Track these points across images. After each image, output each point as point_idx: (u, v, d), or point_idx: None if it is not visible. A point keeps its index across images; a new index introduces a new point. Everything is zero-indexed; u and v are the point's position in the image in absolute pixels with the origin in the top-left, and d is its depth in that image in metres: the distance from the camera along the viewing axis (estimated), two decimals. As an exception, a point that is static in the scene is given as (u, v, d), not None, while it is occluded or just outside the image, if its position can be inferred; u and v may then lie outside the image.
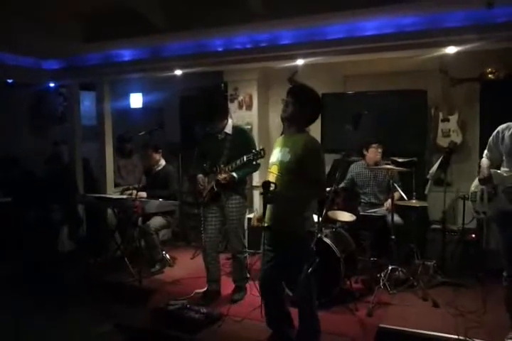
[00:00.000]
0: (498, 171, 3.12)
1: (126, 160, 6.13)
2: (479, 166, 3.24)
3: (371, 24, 3.82)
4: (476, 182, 3.31)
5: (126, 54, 5.00)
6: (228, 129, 3.95)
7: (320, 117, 5.33)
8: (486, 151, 3.28)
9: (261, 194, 2.78)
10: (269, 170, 3.00)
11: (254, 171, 4.05)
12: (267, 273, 2.98)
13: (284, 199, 2.80)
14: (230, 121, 4.00)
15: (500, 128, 3.14)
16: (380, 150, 4.74)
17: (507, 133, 3.06)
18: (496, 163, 3.18)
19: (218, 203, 3.98)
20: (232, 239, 4.06)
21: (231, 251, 4.19)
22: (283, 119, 2.97)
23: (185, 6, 4.01)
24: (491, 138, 3.19)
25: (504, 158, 3.09)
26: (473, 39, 3.65)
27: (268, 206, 2.81)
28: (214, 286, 4.11)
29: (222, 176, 3.75)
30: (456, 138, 4.96)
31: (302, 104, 2.87)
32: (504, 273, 3.10)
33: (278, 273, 2.93)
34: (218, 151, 3.91)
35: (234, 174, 3.75)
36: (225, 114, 3.98)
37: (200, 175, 4.02)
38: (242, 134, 3.98)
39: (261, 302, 3.11)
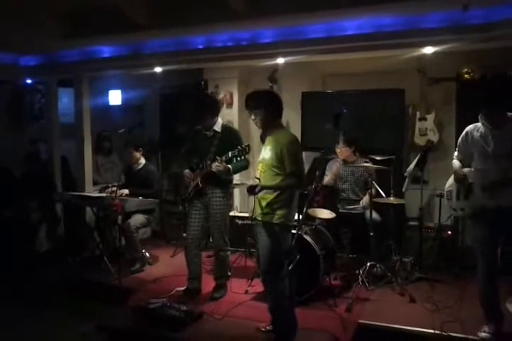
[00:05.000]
0: (469, 169, 3.21)
1: (105, 158, 6.07)
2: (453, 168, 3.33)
3: (351, 24, 3.86)
4: (451, 180, 3.40)
5: (106, 50, 4.94)
6: (217, 127, 3.96)
7: (300, 116, 5.52)
8: (456, 153, 3.37)
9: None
10: (257, 168, 3.22)
11: (246, 168, 4.01)
12: (260, 262, 3.18)
13: (263, 191, 3.03)
14: (219, 119, 4.02)
15: (468, 129, 3.22)
16: (345, 149, 4.67)
17: (476, 134, 3.14)
18: (466, 163, 3.26)
19: (202, 200, 3.98)
20: (215, 236, 4.06)
21: (213, 248, 4.19)
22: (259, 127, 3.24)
23: (166, 3, 4.00)
24: (460, 139, 3.28)
25: (475, 156, 3.17)
26: (450, 40, 3.74)
27: (255, 199, 3.11)
28: (195, 284, 4.10)
29: (216, 165, 3.65)
30: (433, 136, 5.05)
31: (264, 109, 3.10)
32: (478, 269, 3.17)
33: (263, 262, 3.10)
34: (206, 148, 3.91)
35: (229, 166, 3.69)
36: (216, 111, 4.00)
37: (187, 170, 4.02)
38: (231, 132, 3.99)
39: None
